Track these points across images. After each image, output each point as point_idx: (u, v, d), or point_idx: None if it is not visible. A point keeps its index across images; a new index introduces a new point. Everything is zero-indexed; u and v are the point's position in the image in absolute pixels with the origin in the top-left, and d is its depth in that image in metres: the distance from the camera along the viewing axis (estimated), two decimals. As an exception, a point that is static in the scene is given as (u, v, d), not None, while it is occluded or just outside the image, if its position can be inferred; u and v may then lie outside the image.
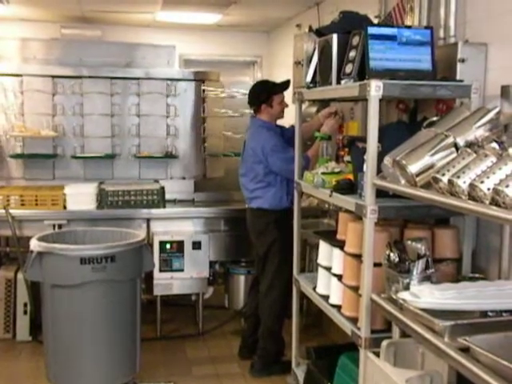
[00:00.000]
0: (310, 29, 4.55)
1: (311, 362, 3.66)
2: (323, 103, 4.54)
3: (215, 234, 4.94)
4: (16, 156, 5.23)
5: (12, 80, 5.18)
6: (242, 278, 5.05)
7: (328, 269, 3.29)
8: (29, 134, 5.13)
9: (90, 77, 5.24)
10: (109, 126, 5.35)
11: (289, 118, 5.73)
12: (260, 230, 4.25)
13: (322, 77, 3.23)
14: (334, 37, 3.03)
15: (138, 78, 5.37)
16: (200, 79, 5.53)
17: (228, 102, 5.89)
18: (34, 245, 3.53)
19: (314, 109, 4.68)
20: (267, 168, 4.12)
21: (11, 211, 4.62)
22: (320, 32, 3.30)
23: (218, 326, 4.99)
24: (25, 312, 4.65)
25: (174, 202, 5.28)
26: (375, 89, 2.54)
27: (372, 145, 2.60)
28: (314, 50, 3.94)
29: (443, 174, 2.06)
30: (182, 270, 4.75)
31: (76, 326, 3.56)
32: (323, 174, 3.27)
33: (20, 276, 4.63)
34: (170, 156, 5.42)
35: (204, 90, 5.53)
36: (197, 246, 4.78)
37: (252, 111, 4.40)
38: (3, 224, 4.61)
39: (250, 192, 4.28)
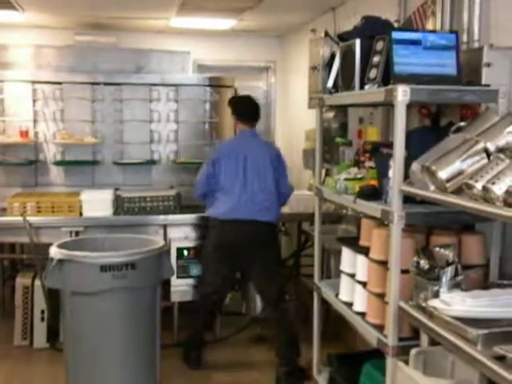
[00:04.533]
0: (326, 34, 4.53)
1: (333, 369, 3.62)
2: (340, 108, 4.53)
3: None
4: (58, 163, 5.26)
5: (52, 87, 5.22)
6: (259, 284, 5.02)
7: (351, 275, 3.26)
8: (72, 141, 5.16)
9: (104, 83, 5.25)
10: (147, 132, 5.39)
11: (304, 123, 5.75)
12: (267, 241, 4.28)
13: (344, 82, 3.21)
14: (357, 42, 3.01)
15: (152, 84, 5.38)
16: (215, 85, 5.53)
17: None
18: (54, 252, 3.52)
19: (331, 114, 4.65)
20: (276, 176, 4.26)
21: (28, 218, 4.62)
22: (342, 37, 3.28)
23: (236, 333, 4.96)
24: (42, 319, 4.66)
25: (189, 207, 5.27)
26: (402, 94, 2.51)
27: (399, 150, 2.58)
28: (332, 55, 3.93)
29: (476, 181, 2.03)
30: (199, 277, 4.73)
31: (96, 334, 3.55)
32: (346, 179, 3.24)
33: (37, 283, 4.63)
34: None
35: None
36: (214, 252, 4.76)
37: (240, 124, 4.42)
38: (20, 231, 4.62)
39: (256, 204, 4.23)
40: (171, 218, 4.90)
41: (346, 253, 3.36)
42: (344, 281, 3.40)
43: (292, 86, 6.77)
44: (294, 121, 6.71)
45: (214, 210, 4.33)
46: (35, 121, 5.23)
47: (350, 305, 3.28)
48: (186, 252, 4.74)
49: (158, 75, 5.42)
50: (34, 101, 5.22)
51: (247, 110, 4.42)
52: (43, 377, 4.25)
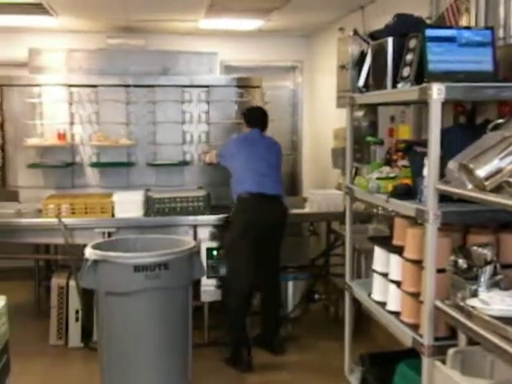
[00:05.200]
0: (356, 32, 4.51)
1: (365, 369, 3.61)
2: (370, 107, 4.50)
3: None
4: (94, 165, 5.34)
5: (88, 90, 5.31)
6: (289, 284, 5.04)
7: (384, 275, 3.24)
8: (107, 143, 5.24)
9: (138, 86, 5.31)
10: (180, 133, 5.45)
11: (332, 122, 5.74)
12: (284, 220, 4.61)
13: (375, 81, 3.20)
14: (389, 40, 3.00)
15: (181, 86, 5.43)
16: (243, 85, 5.56)
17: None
18: (89, 253, 3.56)
19: (360, 113, 4.63)
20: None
21: (62, 219, 4.69)
22: (373, 35, 3.27)
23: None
24: (76, 319, 4.71)
25: (217, 207, 5.29)
26: (437, 92, 2.50)
27: (434, 149, 2.56)
28: (362, 54, 3.91)
29: (517, 179, 2.01)
30: (226, 277, 4.74)
31: (130, 333, 3.58)
32: (378, 179, 3.22)
33: (72, 283, 4.69)
34: None
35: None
36: (244, 252, 4.78)
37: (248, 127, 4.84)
38: (55, 232, 4.69)
39: (276, 183, 4.63)
40: (201, 218, 4.93)
41: (379, 252, 3.35)
42: (376, 280, 3.39)
43: (319, 85, 6.76)
44: (321, 120, 6.70)
45: (236, 190, 4.58)
46: (71, 123, 5.31)
47: (382, 304, 3.27)
48: (215, 252, 4.76)
49: (188, 76, 5.47)
50: (70, 104, 5.31)
51: (256, 116, 4.87)
52: (78, 376, 4.31)
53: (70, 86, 5.29)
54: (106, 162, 5.36)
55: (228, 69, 6.75)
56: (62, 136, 5.17)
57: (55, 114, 5.28)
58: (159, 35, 6.37)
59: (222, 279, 4.72)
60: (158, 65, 5.55)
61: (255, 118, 4.85)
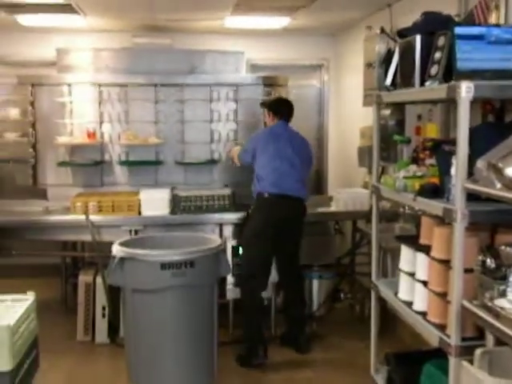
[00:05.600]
0: (383, 30, 4.49)
1: (391, 368, 3.59)
2: (397, 105, 4.47)
3: (287, 239, 4.93)
4: (123, 163, 5.41)
5: (117, 90, 5.38)
6: (314, 283, 5.03)
7: (411, 274, 3.22)
8: (137, 141, 5.29)
9: (162, 85, 5.35)
10: (208, 132, 5.48)
11: (358, 121, 5.72)
12: (300, 219, 4.60)
13: (403, 79, 3.18)
14: (418, 38, 2.98)
15: (208, 85, 5.45)
16: (269, 84, 5.56)
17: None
18: (116, 250, 3.60)
19: (387, 111, 4.61)
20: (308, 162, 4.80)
21: (89, 217, 4.75)
22: (401, 33, 3.25)
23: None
24: (103, 315, 4.76)
25: (244, 205, 5.31)
26: (466, 90, 2.48)
27: (462, 148, 2.54)
28: (389, 52, 3.89)
29: (547, 178, 1.98)
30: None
31: (157, 330, 3.62)
32: (405, 177, 3.21)
33: (98, 280, 4.74)
34: None
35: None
36: (269, 250, 4.78)
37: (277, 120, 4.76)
38: (82, 230, 4.75)
39: (296, 182, 4.56)
40: (226, 216, 4.95)
41: (406, 251, 3.33)
42: (403, 279, 3.37)
43: (346, 84, 6.73)
44: (347, 118, 6.67)
45: (257, 187, 4.56)
46: (101, 122, 5.37)
47: (409, 304, 3.25)
48: (241, 250, 4.77)
49: (215, 75, 5.49)
50: (100, 103, 5.37)
51: (284, 106, 4.80)
52: (105, 371, 4.35)
53: (100, 84, 5.35)
54: (135, 160, 5.41)
55: (254, 67, 6.76)
56: (91, 134, 5.23)
57: (85, 112, 5.36)
58: (185, 34, 6.40)
59: (238, 277, 4.71)
60: (185, 64, 5.57)
61: (283, 108, 4.78)
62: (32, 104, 5.31)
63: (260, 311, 4.57)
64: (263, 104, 4.97)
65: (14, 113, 5.29)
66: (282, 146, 4.59)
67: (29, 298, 2.83)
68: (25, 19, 5.66)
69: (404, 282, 3.34)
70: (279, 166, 4.53)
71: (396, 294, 3.43)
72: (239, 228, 4.87)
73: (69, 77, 5.37)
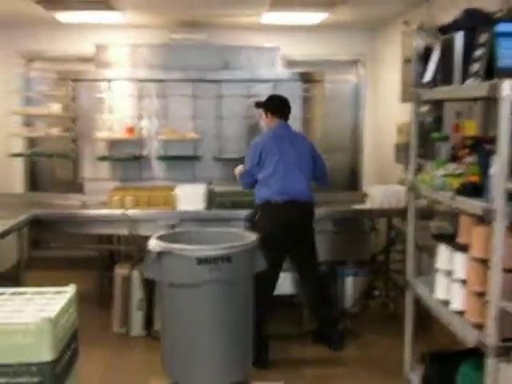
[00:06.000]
0: (421, 26, 4.44)
1: (427, 367, 3.57)
2: (435, 102, 4.43)
3: (322, 235, 4.91)
4: (162, 158, 5.47)
5: (156, 85, 5.46)
6: (349, 279, 5.03)
7: (448, 273, 3.20)
8: (175, 137, 5.35)
9: (198, 80, 5.38)
10: (245, 127, 5.53)
11: (395, 117, 5.67)
12: (311, 221, 4.51)
13: (443, 76, 3.14)
14: (458, 35, 2.94)
15: (243, 80, 5.47)
16: (305, 80, 5.56)
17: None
18: (154, 244, 3.63)
19: (425, 108, 4.56)
20: (314, 165, 4.61)
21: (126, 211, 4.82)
22: (441, 30, 3.21)
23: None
24: (139, 308, 4.81)
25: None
26: (508, 88, 2.45)
27: (503, 147, 2.51)
28: (427, 48, 3.85)
29: None
30: (289, 271, 4.76)
31: (192, 324, 3.64)
32: (444, 175, 3.18)
33: (135, 273, 4.80)
34: None
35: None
36: (304, 246, 4.78)
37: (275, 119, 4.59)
38: (119, 224, 4.82)
39: (298, 187, 4.46)
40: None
41: (443, 250, 3.30)
42: (440, 278, 3.34)
43: (382, 79, 6.68)
44: (384, 114, 6.62)
45: (264, 193, 4.47)
46: (139, 117, 5.44)
47: (445, 303, 3.23)
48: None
49: (251, 71, 5.52)
50: (139, 98, 5.43)
51: (280, 104, 4.63)
52: (140, 363, 4.41)
53: (139, 80, 5.41)
54: (173, 155, 5.46)
55: (289, 63, 6.74)
56: (130, 130, 5.31)
57: (123, 108, 5.43)
58: (221, 29, 6.41)
59: None
60: (220, 59, 5.61)
61: (280, 106, 4.63)
62: (73, 99, 5.40)
63: (263, 312, 4.41)
64: (258, 104, 4.80)
65: (56, 108, 5.37)
66: (287, 149, 4.48)
67: (69, 290, 2.88)
68: (63, 16, 5.75)
69: (441, 280, 3.31)
70: (285, 171, 4.44)
71: (432, 292, 3.40)
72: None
73: (108, 72, 5.45)
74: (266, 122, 4.67)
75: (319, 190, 5.65)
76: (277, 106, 4.61)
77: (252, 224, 4.68)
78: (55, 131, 5.38)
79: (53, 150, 5.58)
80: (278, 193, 4.41)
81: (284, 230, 4.42)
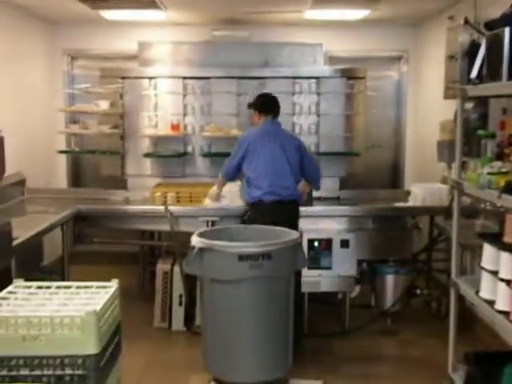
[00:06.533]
0: (467, 21, 4.37)
1: (471, 368, 3.51)
2: (480, 99, 4.34)
3: (363, 233, 4.91)
4: (206, 155, 5.52)
5: (200, 82, 5.51)
6: (389, 278, 4.97)
7: (494, 273, 3.13)
8: (220, 134, 5.38)
9: (241, 77, 5.40)
10: (290, 124, 5.50)
11: (438, 114, 5.58)
12: (293, 221, 4.45)
13: (490, 72, 3.08)
14: (506, 30, 2.88)
15: (285, 77, 5.47)
16: (347, 76, 5.52)
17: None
18: (196, 241, 3.66)
19: (469, 104, 4.47)
20: (301, 163, 4.57)
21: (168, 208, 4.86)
22: (488, 25, 3.15)
23: (364, 326, 4.91)
24: (180, 303, 4.87)
25: (319, 199, 5.30)
26: (558, 85, 2.38)
27: (553, 144, 2.45)
28: (473, 44, 3.78)
29: None
30: (329, 268, 4.75)
31: (234, 320, 3.66)
32: (489, 173, 3.12)
33: (176, 269, 4.85)
34: (348, 153, 5.58)
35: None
36: (345, 244, 4.75)
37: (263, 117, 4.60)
38: (161, 219, 4.87)
39: (285, 185, 4.46)
40: (304, 209, 4.93)
41: (488, 249, 3.23)
42: (485, 278, 3.28)
43: (425, 76, 6.58)
44: (426, 111, 6.52)
45: (255, 193, 4.47)
46: (184, 114, 5.49)
47: (491, 303, 3.17)
48: (316, 243, 4.77)
49: (293, 68, 5.52)
50: (184, 95, 5.48)
51: (268, 101, 4.64)
52: (181, 358, 4.46)
53: (184, 78, 5.46)
54: (217, 152, 5.48)
55: (332, 59, 6.70)
56: (175, 127, 5.36)
57: (168, 105, 5.48)
58: (263, 26, 6.41)
59: None
60: (262, 56, 5.61)
61: (267, 104, 4.62)
62: (121, 96, 5.47)
63: None
64: (250, 105, 4.80)
65: (104, 105, 5.45)
66: (275, 147, 4.48)
67: (113, 285, 2.93)
68: (109, 14, 5.82)
69: (486, 280, 3.25)
70: (274, 170, 4.45)
71: (477, 292, 3.34)
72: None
73: (152, 70, 5.51)
74: (254, 120, 4.69)
75: (362, 186, 5.64)
76: (265, 104, 4.64)
77: (242, 222, 4.72)
78: (105, 128, 5.46)
79: (98, 146, 5.66)
80: (268, 193, 4.43)
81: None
